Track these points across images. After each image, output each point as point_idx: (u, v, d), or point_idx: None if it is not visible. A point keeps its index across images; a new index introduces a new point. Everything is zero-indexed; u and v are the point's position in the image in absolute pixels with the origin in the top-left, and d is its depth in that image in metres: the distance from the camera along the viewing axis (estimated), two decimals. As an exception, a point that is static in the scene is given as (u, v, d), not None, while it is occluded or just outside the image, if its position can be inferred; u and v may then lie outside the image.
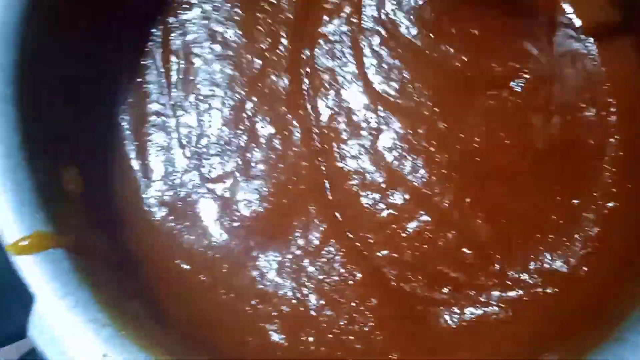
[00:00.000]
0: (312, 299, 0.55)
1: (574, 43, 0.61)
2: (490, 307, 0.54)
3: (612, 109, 0.58)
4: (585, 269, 0.54)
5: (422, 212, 0.56)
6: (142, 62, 0.62)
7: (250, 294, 0.55)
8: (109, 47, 0.59)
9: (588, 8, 0.61)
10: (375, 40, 0.61)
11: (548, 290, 0.54)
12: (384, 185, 0.57)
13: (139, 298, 0.50)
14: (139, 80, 0.61)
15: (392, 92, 0.60)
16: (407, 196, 0.57)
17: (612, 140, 0.58)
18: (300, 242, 0.56)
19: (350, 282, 0.55)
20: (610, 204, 0.56)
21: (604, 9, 0.60)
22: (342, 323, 0.54)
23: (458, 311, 0.54)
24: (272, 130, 0.59)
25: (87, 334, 0.43)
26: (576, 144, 0.58)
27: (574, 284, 0.53)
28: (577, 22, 0.61)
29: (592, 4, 0.61)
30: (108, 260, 0.51)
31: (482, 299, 0.54)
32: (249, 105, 0.60)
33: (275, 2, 0.62)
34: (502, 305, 0.54)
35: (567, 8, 0.61)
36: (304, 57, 0.61)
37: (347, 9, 0.62)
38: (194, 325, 0.53)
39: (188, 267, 0.55)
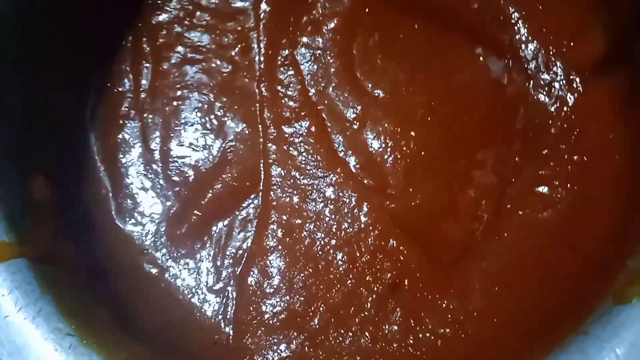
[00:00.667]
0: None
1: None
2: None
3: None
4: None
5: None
6: (112, 67, 0.61)
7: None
8: (79, 52, 0.59)
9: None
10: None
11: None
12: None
13: (107, 306, 0.50)
14: (108, 85, 0.61)
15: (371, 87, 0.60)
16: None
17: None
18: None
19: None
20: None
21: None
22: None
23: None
24: (243, 126, 0.59)
25: (49, 344, 0.43)
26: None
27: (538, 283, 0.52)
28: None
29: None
30: (76, 268, 0.51)
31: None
32: (218, 105, 0.60)
33: (246, 9, 0.62)
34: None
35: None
36: (279, 60, 0.61)
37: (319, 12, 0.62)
38: (164, 330, 0.53)
39: (156, 272, 0.55)
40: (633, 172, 0.52)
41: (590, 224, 0.53)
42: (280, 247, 0.55)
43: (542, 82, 0.60)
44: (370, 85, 0.60)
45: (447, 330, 0.51)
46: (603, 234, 0.52)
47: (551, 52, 0.60)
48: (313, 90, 0.60)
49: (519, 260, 0.54)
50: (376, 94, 0.60)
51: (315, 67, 0.61)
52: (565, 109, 0.58)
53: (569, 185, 0.56)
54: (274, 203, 0.56)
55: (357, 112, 0.60)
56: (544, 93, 0.59)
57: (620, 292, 0.42)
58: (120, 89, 0.61)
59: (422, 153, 0.58)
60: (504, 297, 0.52)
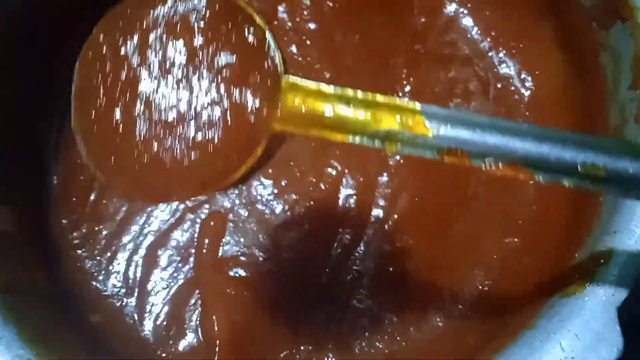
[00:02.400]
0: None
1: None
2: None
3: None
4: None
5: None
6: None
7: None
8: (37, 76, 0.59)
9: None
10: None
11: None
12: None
13: (74, 333, 0.51)
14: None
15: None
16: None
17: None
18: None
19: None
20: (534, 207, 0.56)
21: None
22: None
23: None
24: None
25: (9, 371, 0.44)
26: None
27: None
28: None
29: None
30: (43, 296, 0.52)
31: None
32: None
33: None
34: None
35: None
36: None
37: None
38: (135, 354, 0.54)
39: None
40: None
41: (549, 218, 0.54)
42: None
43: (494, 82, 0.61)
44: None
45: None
46: (557, 225, 0.53)
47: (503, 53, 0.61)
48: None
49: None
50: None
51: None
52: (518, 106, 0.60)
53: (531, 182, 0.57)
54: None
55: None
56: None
57: (567, 285, 0.43)
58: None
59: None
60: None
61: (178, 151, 0.38)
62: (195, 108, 0.36)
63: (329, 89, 0.34)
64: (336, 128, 0.34)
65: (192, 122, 0.37)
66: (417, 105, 0.34)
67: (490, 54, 0.62)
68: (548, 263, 0.50)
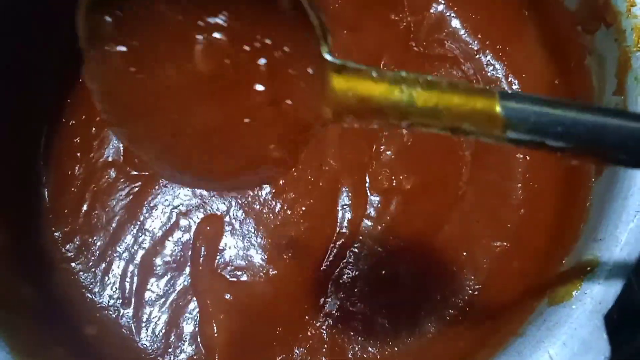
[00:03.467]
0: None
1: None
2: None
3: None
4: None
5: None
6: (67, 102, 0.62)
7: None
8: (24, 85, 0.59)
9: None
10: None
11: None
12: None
13: (64, 346, 0.51)
14: (63, 120, 0.62)
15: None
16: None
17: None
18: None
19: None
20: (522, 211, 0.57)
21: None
22: None
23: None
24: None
25: (-2, 388, 0.44)
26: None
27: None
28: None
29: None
30: (33, 308, 0.52)
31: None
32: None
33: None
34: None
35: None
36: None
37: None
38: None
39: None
40: (569, 168, 0.54)
41: (536, 222, 0.55)
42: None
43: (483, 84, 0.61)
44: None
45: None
46: (545, 229, 0.53)
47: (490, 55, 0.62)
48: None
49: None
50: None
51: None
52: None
53: (518, 183, 0.58)
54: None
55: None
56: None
57: (554, 292, 0.44)
58: (74, 123, 0.62)
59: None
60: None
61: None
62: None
63: (379, 72, 0.30)
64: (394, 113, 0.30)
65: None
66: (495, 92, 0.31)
67: (478, 55, 0.62)
68: (536, 268, 0.51)
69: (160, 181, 0.60)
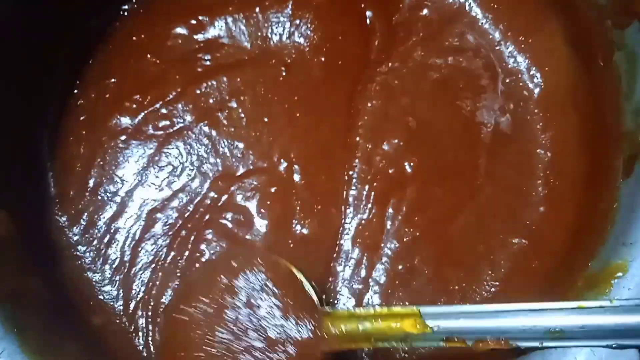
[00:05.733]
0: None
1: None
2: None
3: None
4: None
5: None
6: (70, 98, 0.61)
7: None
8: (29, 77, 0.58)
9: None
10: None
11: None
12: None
13: (75, 339, 0.50)
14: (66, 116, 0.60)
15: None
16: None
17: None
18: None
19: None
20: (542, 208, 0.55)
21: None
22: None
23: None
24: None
25: (12, 383, 0.43)
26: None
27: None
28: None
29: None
30: (42, 303, 0.50)
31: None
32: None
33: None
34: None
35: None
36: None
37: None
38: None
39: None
40: (594, 167, 0.52)
41: (557, 221, 0.54)
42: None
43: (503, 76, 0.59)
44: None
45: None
46: (567, 230, 0.52)
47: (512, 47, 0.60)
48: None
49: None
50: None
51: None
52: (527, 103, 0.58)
53: (538, 180, 0.56)
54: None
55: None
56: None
57: (579, 297, 0.42)
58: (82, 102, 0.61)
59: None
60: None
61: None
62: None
63: (359, 311, 0.46)
64: (373, 338, 0.45)
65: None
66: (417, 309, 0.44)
67: (498, 47, 0.60)
68: (558, 270, 0.50)
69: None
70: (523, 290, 0.52)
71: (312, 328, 0.46)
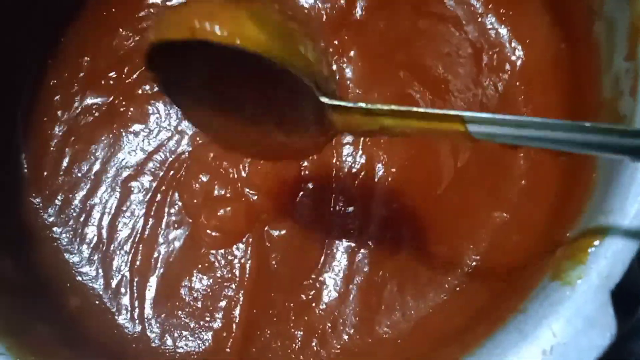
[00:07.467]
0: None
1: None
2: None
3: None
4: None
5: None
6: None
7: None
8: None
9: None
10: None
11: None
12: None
13: (48, 322, 0.49)
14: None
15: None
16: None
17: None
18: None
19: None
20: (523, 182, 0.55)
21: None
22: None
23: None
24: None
25: (-20, 368, 0.42)
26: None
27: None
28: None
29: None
30: (13, 285, 0.50)
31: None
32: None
33: None
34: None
35: None
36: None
37: None
38: (111, 343, 0.52)
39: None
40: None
41: (538, 194, 0.53)
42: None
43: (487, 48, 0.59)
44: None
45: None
46: (547, 201, 0.51)
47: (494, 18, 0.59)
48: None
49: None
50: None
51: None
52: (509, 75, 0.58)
53: (520, 153, 0.56)
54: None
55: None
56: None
57: (558, 267, 0.42)
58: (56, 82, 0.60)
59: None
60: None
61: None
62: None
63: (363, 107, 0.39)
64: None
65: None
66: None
67: (480, 18, 0.59)
68: (538, 241, 0.49)
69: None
70: (504, 264, 0.51)
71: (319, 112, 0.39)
